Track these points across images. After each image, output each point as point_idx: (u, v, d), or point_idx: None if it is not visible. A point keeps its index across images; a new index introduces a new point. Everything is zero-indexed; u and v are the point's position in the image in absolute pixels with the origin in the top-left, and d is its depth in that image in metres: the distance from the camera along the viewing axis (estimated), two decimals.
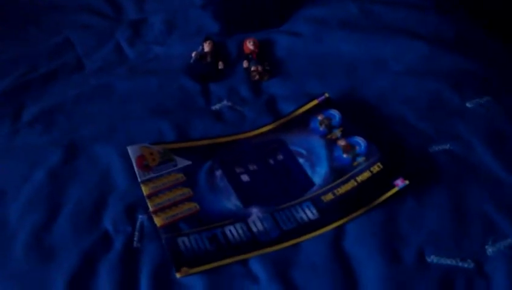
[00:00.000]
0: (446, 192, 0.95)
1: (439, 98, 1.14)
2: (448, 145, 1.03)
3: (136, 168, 0.98)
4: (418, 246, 0.88)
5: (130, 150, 1.00)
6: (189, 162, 1.01)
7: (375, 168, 0.97)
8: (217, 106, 1.15)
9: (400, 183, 0.94)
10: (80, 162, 1.02)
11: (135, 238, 0.90)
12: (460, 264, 0.86)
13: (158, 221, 0.91)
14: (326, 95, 1.11)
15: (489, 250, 0.88)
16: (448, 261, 0.86)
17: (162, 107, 1.13)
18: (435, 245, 0.88)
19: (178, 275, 0.84)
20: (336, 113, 1.07)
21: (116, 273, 0.85)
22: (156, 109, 1.13)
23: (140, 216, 0.93)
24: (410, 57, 1.23)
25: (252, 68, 1.20)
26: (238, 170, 1.01)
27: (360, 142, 1.01)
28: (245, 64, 1.22)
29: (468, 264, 0.86)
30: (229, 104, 1.15)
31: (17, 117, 1.13)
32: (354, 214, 0.92)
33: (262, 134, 1.08)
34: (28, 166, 1.01)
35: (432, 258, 0.86)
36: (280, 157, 1.03)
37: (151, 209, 0.92)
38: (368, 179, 0.96)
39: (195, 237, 0.89)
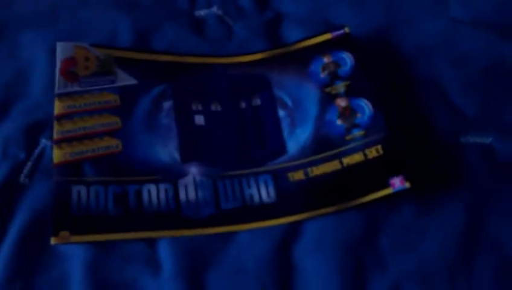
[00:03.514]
0: (461, 209, 0.67)
1: (503, 66, 0.82)
2: (489, 139, 0.73)
3: (57, 74, 0.72)
4: (395, 280, 0.62)
5: (60, 47, 0.74)
6: (134, 82, 0.75)
7: (372, 152, 0.69)
8: (201, 12, 0.86)
9: (397, 183, 0.66)
10: None
11: (24, 171, 0.67)
12: None
13: (57, 156, 0.66)
14: (346, 30, 0.80)
15: None
16: None
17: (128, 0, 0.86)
18: (422, 284, 0.62)
19: (53, 241, 0.61)
20: (348, 59, 0.77)
21: None
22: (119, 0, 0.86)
23: (43, 141, 0.70)
24: (481, 2, 0.89)
25: None
26: (194, 107, 0.74)
27: (365, 108, 0.72)
28: None
29: None
30: (219, 12, 0.86)
31: None
32: (323, 210, 0.65)
33: (246, 63, 0.80)
34: None
35: None
36: (257, 101, 0.76)
37: (55, 136, 0.68)
38: (358, 164, 0.68)
39: (97, 190, 0.65)
